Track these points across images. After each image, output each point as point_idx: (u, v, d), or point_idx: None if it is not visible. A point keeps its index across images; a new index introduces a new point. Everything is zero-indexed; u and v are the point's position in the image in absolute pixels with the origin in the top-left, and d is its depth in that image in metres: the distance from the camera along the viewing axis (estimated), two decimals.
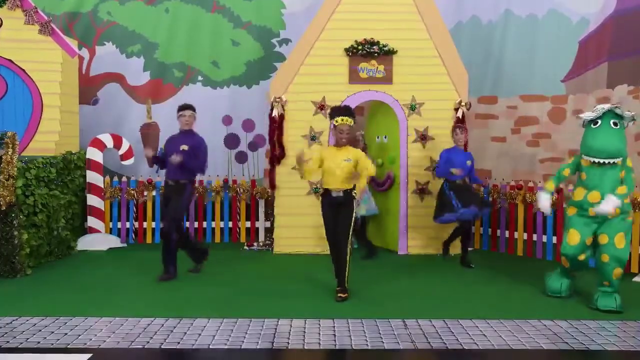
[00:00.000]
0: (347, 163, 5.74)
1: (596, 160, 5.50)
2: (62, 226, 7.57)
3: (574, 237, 5.70)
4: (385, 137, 8.40)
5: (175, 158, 6.35)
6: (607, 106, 5.56)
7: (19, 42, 8.01)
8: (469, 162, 7.27)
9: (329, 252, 5.98)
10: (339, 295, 5.77)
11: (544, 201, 6.00)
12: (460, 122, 7.83)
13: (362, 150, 7.58)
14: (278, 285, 6.37)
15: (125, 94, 9.69)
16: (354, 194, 5.83)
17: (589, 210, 5.59)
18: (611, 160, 5.47)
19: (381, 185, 8.26)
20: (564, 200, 7.15)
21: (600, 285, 5.63)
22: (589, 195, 5.60)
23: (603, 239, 5.57)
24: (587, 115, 5.65)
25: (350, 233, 5.80)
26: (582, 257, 5.73)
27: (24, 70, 8.03)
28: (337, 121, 5.81)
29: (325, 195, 5.87)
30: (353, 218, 5.81)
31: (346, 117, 5.79)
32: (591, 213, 5.58)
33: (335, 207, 5.81)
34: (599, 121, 5.56)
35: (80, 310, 5.32)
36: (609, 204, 5.42)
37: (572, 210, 5.80)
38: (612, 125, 5.52)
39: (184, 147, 6.50)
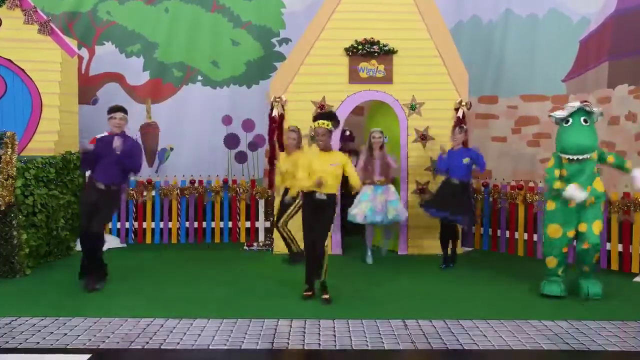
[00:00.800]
0: (333, 168, 5.74)
1: (571, 157, 5.73)
2: (61, 226, 7.56)
3: (557, 231, 5.88)
4: (386, 137, 8.37)
5: (117, 142, 5.98)
6: (576, 104, 5.80)
7: (18, 42, 7.99)
8: (465, 160, 7.13)
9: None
10: (325, 297, 5.74)
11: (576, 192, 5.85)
12: (460, 122, 7.83)
13: (381, 148, 7.45)
14: (278, 285, 6.36)
15: (125, 93, 9.68)
16: (336, 199, 5.87)
17: (570, 201, 5.79)
18: (585, 156, 5.72)
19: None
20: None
21: (581, 274, 5.90)
22: (564, 193, 5.79)
23: (582, 227, 5.80)
24: (558, 113, 5.90)
25: (329, 234, 5.83)
26: (565, 249, 5.94)
27: (23, 70, 8.02)
28: (314, 125, 5.83)
29: (309, 197, 5.80)
30: (334, 219, 5.93)
31: (323, 121, 5.77)
32: (571, 205, 5.77)
33: (319, 209, 5.77)
34: (570, 120, 5.80)
35: (80, 311, 5.31)
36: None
37: (551, 204, 5.96)
38: (583, 122, 5.76)
39: (117, 144, 6.00)
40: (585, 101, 5.93)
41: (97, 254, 6.25)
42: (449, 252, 7.40)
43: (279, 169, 7.43)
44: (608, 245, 7.24)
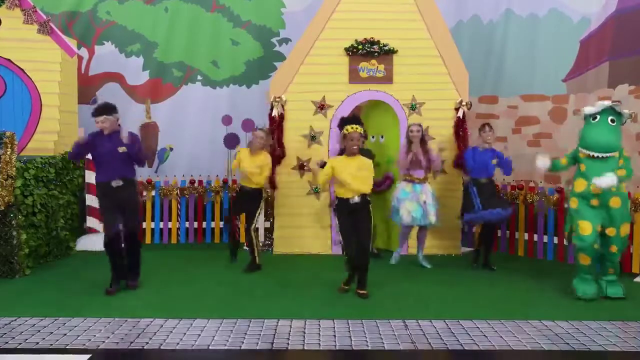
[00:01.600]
0: (365, 174, 5.79)
1: (591, 154, 5.77)
2: (61, 226, 7.55)
3: (586, 227, 5.79)
4: (382, 137, 8.35)
5: (122, 148, 5.91)
6: (607, 103, 5.85)
7: (17, 42, 7.99)
8: (494, 161, 7.11)
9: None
10: (363, 292, 5.88)
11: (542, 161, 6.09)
12: (461, 122, 7.83)
13: (422, 142, 7.16)
14: (278, 285, 6.35)
15: (125, 93, 9.67)
16: (369, 198, 5.89)
17: (592, 200, 5.78)
18: (605, 155, 5.74)
19: (378, 185, 8.19)
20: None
21: (605, 275, 5.92)
22: (591, 186, 5.78)
23: (611, 232, 5.80)
24: (589, 109, 5.91)
25: (372, 234, 5.94)
26: (596, 246, 5.87)
27: (22, 69, 8.02)
28: (347, 129, 5.82)
29: (343, 204, 5.85)
30: (372, 220, 5.91)
31: (356, 126, 5.81)
32: (594, 193, 5.76)
33: (354, 213, 5.83)
34: (598, 116, 5.83)
35: (80, 311, 5.30)
36: (607, 180, 5.62)
37: (575, 202, 5.93)
38: (610, 122, 5.80)
39: (122, 148, 5.91)
40: (617, 101, 5.99)
41: (139, 252, 6.30)
42: (482, 253, 7.29)
43: (237, 165, 7.20)
44: None
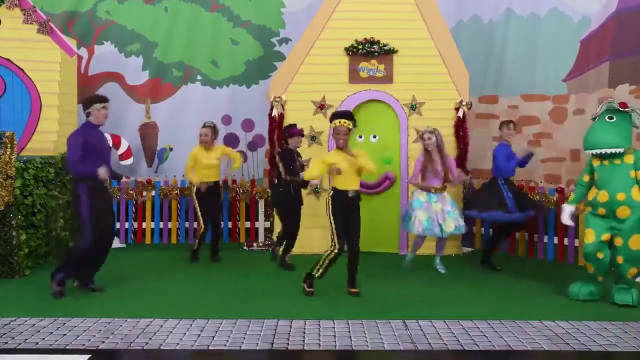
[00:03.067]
0: (357, 165, 5.87)
1: (592, 152, 5.71)
2: (60, 226, 7.54)
3: (590, 236, 5.76)
4: (375, 137, 8.24)
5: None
6: (605, 104, 5.81)
7: (17, 42, 7.97)
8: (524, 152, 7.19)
9: (328, 252, 5.98)
10: (355, 290, 5.97)
11: (565, 214, 6.03)
12: (461, 122, 7.82)
13: (440, 150, 6.88)
14: (278, 285, 6.35)
15: (124, 93, 9.66)
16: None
17: (599, 209, 5.71)
18: (603, 151, 5.59)
19: (377, 186, 8.16)
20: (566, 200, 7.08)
21: (616, 283, 5.77)
22: (598, 194, 5.72)
23: (618, 242, 5.64)
24: (595, 113, 5.90)
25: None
26: (600, 255, 5.70)
27: (22, 69, 8.00)
28: (334, 123, 5.93)
29: (340, 196, 5.86)
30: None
31: (344, 120, 5.88)
32: (600, 202, 5.69)
33: (350, 206, 5.88)
34: (598, 117, 5.81)
35: (79, 311, 5.30)
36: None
37: (587, 209, 5.92)
38: (607, 119, 5.71)
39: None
40: (612, 100, 5.86)
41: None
42: (485, 252, 7.27)
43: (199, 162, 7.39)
44: None
